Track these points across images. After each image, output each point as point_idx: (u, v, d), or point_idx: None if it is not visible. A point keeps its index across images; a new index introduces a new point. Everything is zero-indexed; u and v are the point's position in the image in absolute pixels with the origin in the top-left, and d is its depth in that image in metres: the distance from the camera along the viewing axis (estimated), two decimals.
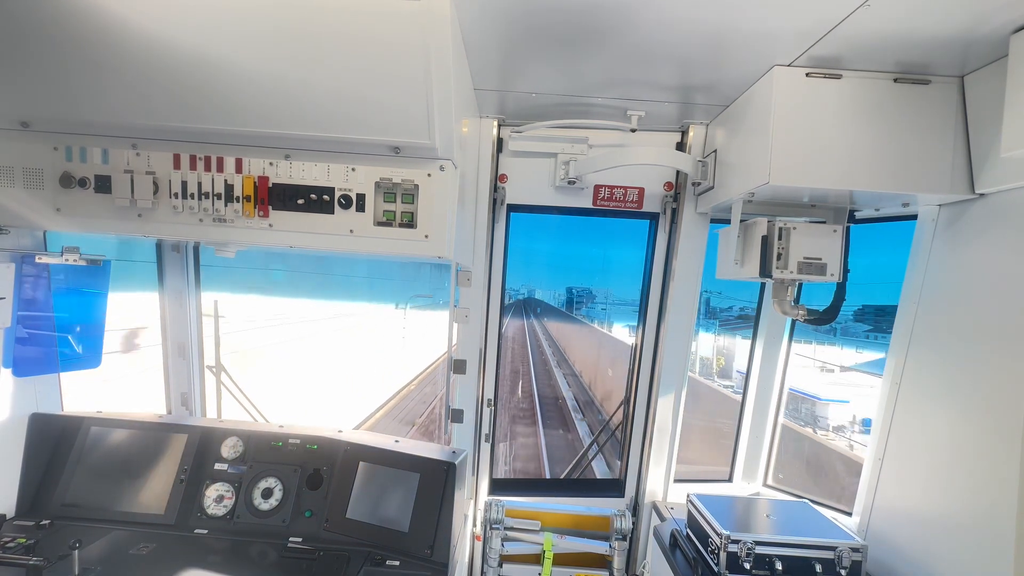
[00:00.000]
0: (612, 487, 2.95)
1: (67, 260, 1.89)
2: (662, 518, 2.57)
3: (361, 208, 1.70)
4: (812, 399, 15.68)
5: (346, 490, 1.92)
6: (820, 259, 2.01)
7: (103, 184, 1.67)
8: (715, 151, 2.24)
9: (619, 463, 2.97)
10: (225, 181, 1.67)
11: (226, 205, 1.67)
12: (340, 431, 2.11)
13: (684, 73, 1.90)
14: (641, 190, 2.51)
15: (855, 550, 1.84)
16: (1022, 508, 1.53)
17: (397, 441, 2.07)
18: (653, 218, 2.62)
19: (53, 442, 1.96)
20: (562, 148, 2.44)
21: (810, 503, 2.26)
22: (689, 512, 2.17)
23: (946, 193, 1.76)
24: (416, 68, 1.43)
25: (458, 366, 2.37)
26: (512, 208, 2.60)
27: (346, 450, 1.99)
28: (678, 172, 2.48)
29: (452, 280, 2.32)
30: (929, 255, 1.95)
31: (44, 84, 1.53)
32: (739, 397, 2.97)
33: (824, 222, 2.13)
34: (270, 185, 1.69)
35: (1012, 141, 1.46)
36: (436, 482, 1.87)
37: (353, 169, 1.68)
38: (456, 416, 2.31)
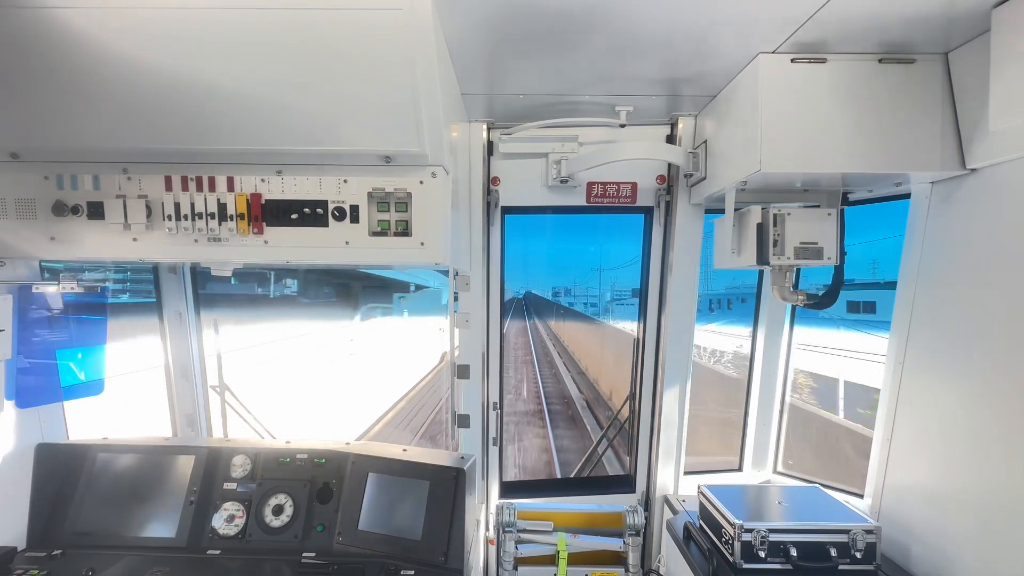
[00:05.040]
0: (623, 483, 2.95)
1: (65, 288, 1.89)
2: (674, 511, 2.56)
3: (355, 219, 1.70)
4: None
5: (357, 502, 1.92)
6: (816, 243, 2.01)
7: (96, 210, 1.66)
8: (705, 142, 2.24)
9: (628, 458, 2.97)
10: (218, 200, 1.66)
11: (220, 224, 1.67)
12: (347, 443, 2.10)
13: (669, 66, 1.91)
14: (634, 185, 2.52)
15: (869, 532, 1.84)
16: None
17: (405, 450, 2.07)
18: (648, 212, 2.63)
19: (60, 471, 1.95)
20: (553, 148, 2.44)
21: (821, 487, 2.26)
22: (701, 504, 2.17)
23: (937, 170, 1.77)
24: (402, 77, 1.44)
25: (461, 371, 2.37)
26: (506, 210, 2.60)
27: (354, 462, 1.99)
28: (670, 165, 2.49)
29: (451, 285, 2.33)
30: (924, 233, 1.96)
31: (31, 114, 1.53)
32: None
33: (818, 206, 2.13)
34: (263, 201, 1.68)
35: (1000, 115, 1.46)
36: (446, 489, 1.87)
37: (345, 181, 1.68)
38: (462, 421, 2.31)
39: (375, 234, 1.70)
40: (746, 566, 1.84)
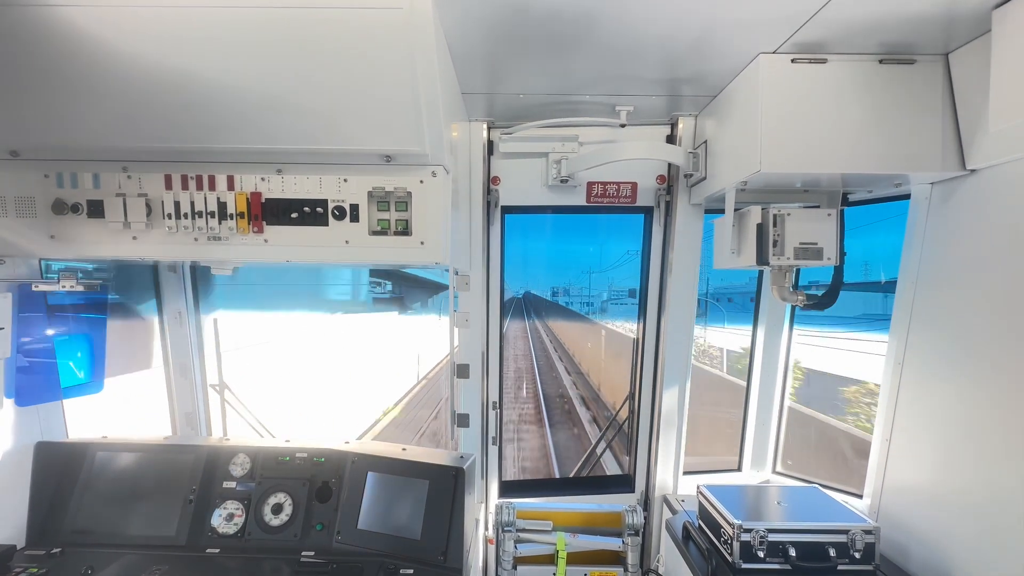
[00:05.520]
0: (622, 483, 2.95)
1: (64, 287, 1.89)
2: (673, 511, 2.57)
3: (355, 218, 1.70)
4: None
5: (356, 501, 1.92)
6: (816, 244, 2.01)
7: (96, 209, 1.66)
8: (705, 142, 2.24)
9: (627, 458, 2.98)
10: (218, 199, 1.66)
11: (220, 223, 1.67)
12: (347, 442, 2.10)
13: (670, 66, 1.91)
14: (634, 185, 2.52)
15: (867, 532, 1.84)
16: None
17: (404, 449, 2.07)
18: (648, 212, 2.63)
19: (60, 470, 1.95)
20: (553, 147, 2.44)
21: (820, 487, 2.27)
22: (700, 504, 2.17)
23: (937, 171, 1.77)
24: (402, 76, 1.44)
25: (461, 370, 2.36)
26: (506, 210, 2.60)
27: (354, 461, 1.99)
28: (670, 165, 2.49)
29: (451, 285, 2.32)
30: (924, 233, 1.96)
31: (31, 112, 1.52)
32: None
33: (818, 207, 2.13)
34: (263, 200, 1.68)
35: (1000, 116, 1.46)
36: (446, 488, 1.87)
37: (345, 180, 1.68)
38: (462, 420, 2.31)
39: (375, 233, 1.70)
40: (745, 566, 1.84)
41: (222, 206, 1.66)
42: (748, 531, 1.85)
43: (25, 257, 1.85)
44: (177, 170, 1.67)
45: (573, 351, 23.89)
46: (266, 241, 1.70)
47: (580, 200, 2.53)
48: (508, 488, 2.87)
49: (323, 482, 1.97)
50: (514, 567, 2.48)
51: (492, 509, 2.65)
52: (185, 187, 1.67)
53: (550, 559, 2.47)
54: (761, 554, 1.84)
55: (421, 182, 1.68)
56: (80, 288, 1.92)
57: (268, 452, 2.04)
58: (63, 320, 2.09)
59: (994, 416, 1.66)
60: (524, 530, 2.50)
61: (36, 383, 1.96)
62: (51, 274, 1.97)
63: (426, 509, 1.85)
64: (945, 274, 1.87)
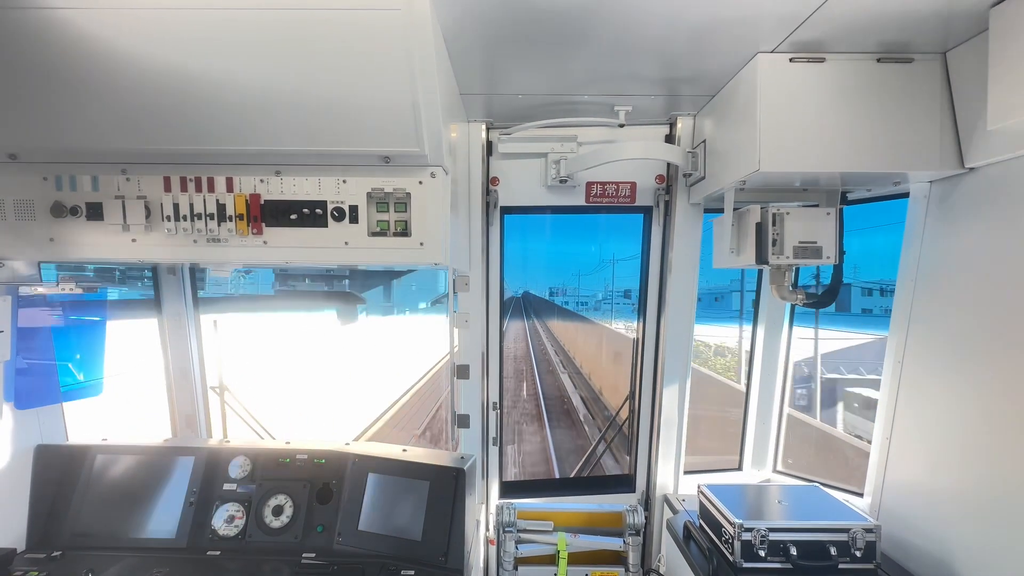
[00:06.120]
0: (623, 482, 2.95)
1: (63, 289, 1.89)
2: (674, 511, 2.57)
3: (354, 220, 1.69)
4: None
5: (357, 502, 1.92)
6: (815, 243, 2.01)
7: (95, 211, 1.66)
8: (704, 141, 2.25)
9: (627, 458, 2.98)
10: (217, 201, 1.66)
11: (219, 225, 1.67)
12: (347, 443, 2.10)
13: (668, 65, 1.91)
14: (633, 184, 2.52)
15: (868, 531, 1.84)
16: None
17: (405, 450, 2.07)
18: (647, 212, 2.63)
19: (60, 473, 1.95)
20: (552, 148, 2.44)
21: (820, 486, 2.27)
22: (701, 503, 2.17)
23: (936, 169, 1.77)
24: (401, 77, 1.44)
25: (461, 371, 2.36)
26: (506, 210, 2.60)
27: (354, 462, 1.99)
28: (669, 164, 2.49)
29: (450, 286, 2.32)
30: (923, 232, 1.96)
31: (29, 115, 1.52)
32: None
33: (817, 205, 2.13)
34: (262, 202, 1.68)
35: (998, 114, 1.47)
36: (446, 489, 1.87)
37: (344, 181, 1.68)
38: (462, 421, 2.31)
39: (374, 234, 1.70)
40: (746, 565, 1.84)
41: (221, 208, 1.66)
42: (749, 530, 1.85)
43: (24, 260, 1.85)
44: (176, 172, 1.67)
45: (568, 347, 24.54)
46: (265, 243, 1.70)
47: (579, 200, 2.53)
48: (509, 489, 2.87)
49: (324, 483, 1.97)
50: (515, 568, 2.47)
51: (493, 510, 2.65)
52: (184, 189, 1.67)
53: (551, 559, 2.47)
54: (762, 553, 1.84)
55: (420, 183, 1.68)
56: (79, 290, 1.92)
57: (268, 453, 2.03)
58: (62, 322, 2.09)
59: (994, 413, 1.66)
60: (525, 531, 2.50)
61: (35, 386, 1.96)
62: (52, 273, 1.97)
63: (427, 510, 1.85)
64: (944, 272, 1.88)
